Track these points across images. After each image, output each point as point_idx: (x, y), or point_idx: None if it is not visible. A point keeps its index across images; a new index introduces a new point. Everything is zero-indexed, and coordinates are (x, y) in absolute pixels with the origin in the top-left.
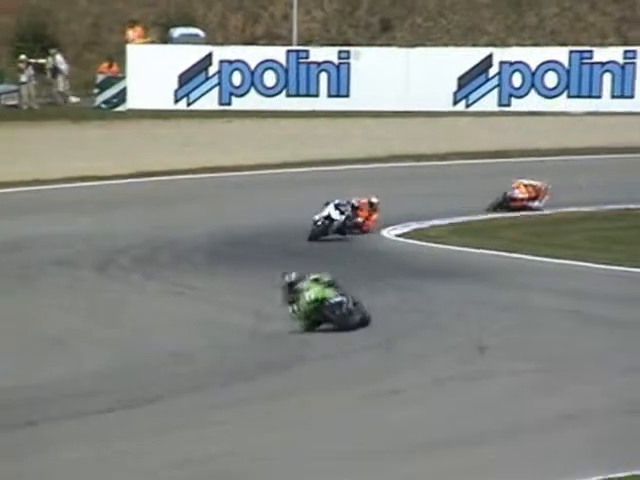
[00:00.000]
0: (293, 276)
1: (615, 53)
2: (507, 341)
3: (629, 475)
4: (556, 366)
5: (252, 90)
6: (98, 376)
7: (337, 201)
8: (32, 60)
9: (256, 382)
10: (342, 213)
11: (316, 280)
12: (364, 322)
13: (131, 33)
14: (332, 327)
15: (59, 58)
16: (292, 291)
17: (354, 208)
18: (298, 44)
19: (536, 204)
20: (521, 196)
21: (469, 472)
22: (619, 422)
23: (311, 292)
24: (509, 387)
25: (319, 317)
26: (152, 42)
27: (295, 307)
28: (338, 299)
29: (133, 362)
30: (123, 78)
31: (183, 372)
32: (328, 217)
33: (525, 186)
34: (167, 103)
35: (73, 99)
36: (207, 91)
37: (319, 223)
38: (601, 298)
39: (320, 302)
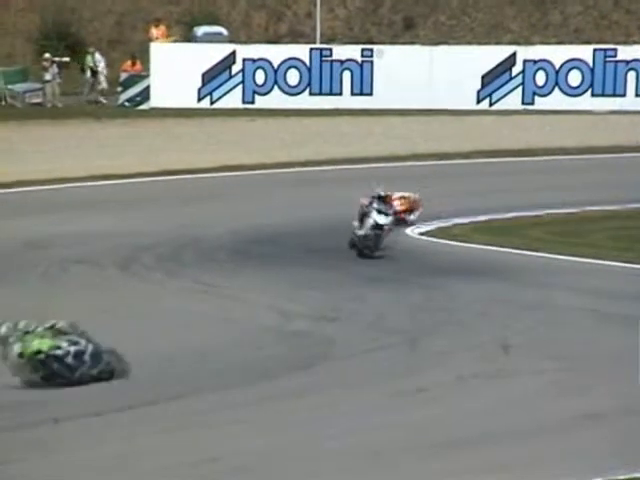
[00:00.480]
0: (21, 325)
1: (639, 51)
2: (530, 340)
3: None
4: (579, 365)
5: (275, 88)
6: None
7: (375, 205)
8: (56, 58)
9: (280, 380)
10: (387, 215)
11: (43, 329)
12: (105, 375)
13: (155, 31)
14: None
15: (98, 57)
16: (8, 344)
17: (388, 201)
18: (321, 42)
19: (411, 217)
20: (400, 209)
21: (492, 470)
22: None
23: (34, 343)
24: (532, 386)
25: (46, 371)
26: (175, 41)
27: (12, 362)
28: (65, 350)
29: (156, 360)
30: (147, 76)
31: (205, 370)
32: (376, 226)
33: (400, 198)
34: (190, 101)
35: (103, 100)
36: (230, 89)
37: (369, 237)
38: (624, 297)
39: (43, 354)
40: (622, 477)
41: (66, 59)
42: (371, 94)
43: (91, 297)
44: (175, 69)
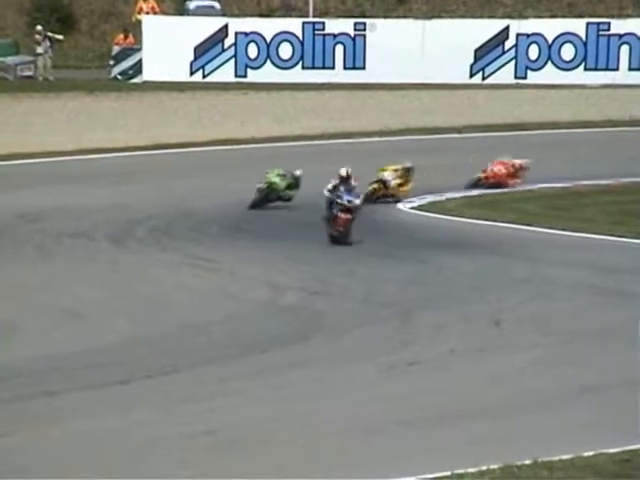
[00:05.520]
0: None
1: (633, 25)
2: (523, 313)
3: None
4: (573, 338)
5: (268, 62)
6: (115, 347)
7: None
8: (49, 33)
9: (271, 354)
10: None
11: None
12: None
13: (144, 6)
14: None
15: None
16: None
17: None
18: (314, 16)
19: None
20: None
21: (487, 442)
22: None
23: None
24: (526, 359)
25: None
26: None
27: None
28: None
29: (150, 334)
30: (139, 50)
31: (199, 343)
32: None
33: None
34: (183, 75)
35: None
36: (223, 63)
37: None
38: (617, 271)
39: None
40: (615, 450)
41: (59, 36)
42: (364, 68)
43: (85, 271)
44: (167, 42)
